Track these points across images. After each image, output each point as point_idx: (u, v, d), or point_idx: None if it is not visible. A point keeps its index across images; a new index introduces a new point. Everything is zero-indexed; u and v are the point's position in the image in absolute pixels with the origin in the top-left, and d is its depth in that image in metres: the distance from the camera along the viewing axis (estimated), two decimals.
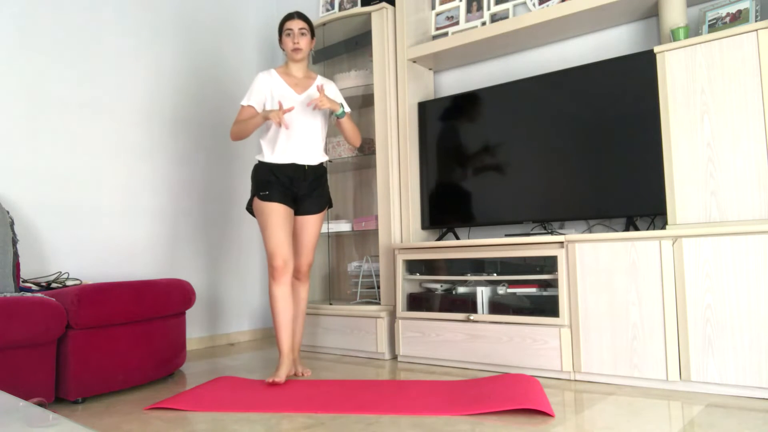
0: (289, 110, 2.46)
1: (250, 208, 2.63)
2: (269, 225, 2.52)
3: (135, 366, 2.43)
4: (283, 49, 2.65)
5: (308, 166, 2.60)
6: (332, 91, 2.71)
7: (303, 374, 2.62)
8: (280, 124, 2.43)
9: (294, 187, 2.58)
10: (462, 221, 3.04)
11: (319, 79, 2.69)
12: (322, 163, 2.68)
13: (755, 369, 2.02)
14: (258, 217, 2.58)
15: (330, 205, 2.77)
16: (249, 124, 2.52)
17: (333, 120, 2.72)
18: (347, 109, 2.69)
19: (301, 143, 2.58)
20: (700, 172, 2.23)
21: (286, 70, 2.66)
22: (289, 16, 2.61)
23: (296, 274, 2.69)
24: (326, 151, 2.71)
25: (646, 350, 2.23)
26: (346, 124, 2.66)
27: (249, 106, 2.59)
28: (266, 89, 2.60)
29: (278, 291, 2.51)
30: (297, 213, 2.65)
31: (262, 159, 2.60)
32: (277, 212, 2.52)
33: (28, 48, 2.87)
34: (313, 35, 2.66)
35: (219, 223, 3.74)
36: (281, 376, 2.42)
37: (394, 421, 1.87)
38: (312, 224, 2.67)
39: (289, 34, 2.60)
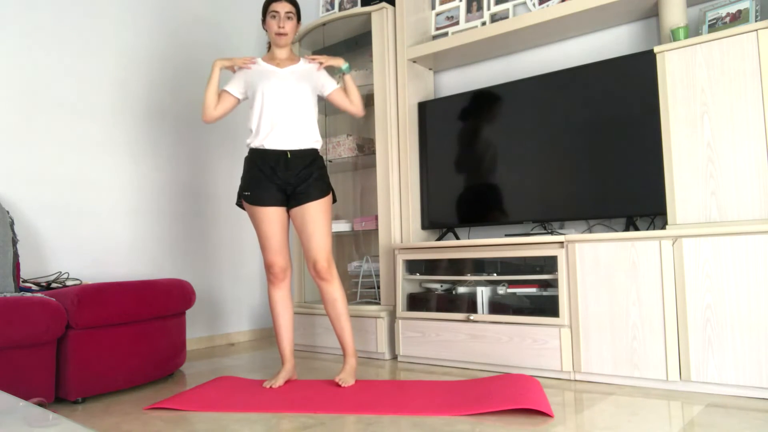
0: (250, 60, 2.44)
1: (239, 203, 2.49)
2: (260, 232, 2.43)
3: (135, 366, 2.43)
4: (267, 31, 2.49)
5: (291, 151, 2.39)
6: (319, 73, 2.51)
7: (342, 383, 2.34)
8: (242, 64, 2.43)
9: (278, 178, 2.38)
10: (462, 221, 3.04)
11: (302, 62, 2.50)
12: (313, 150, 2.44)
13: (755, 369, 2.02)
14: (249, 216, 2.47)
15: (334, 199, 2.52)
16: (207, 86, 2.43)
17: (338, 80, 2.54)
18: (336, 85, 2.54)
19: (283, 126, 2.38)
20: (700, 172, 2.23)
21: (270, 56, 2.52)
22: None
23: (318, 275, 2.40)
24: (324, 139, 2.47)
25: (646, 350, 2.23)
26: (351, 82, 2.51)
27: (225, 90, 2.48)
28: (247, 73, 2.47)
29: (276, 294, 2.49)
30: (292, 206, 2.43)
31: (248, 143, 2.47)
32: (265, 217, 2.40)
33: (29, 47, 2.87)
34: (299, 19, 2.51)
35: (219, 222, 3.74)
36: (278, 382, 2.38)
37: (394, 421, 1.87)
38: (312, 212, 2.38)
39: (274, 17, 2.43)
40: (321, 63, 2.50)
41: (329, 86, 2.54)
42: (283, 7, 2.43)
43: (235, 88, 2.49)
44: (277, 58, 2.51)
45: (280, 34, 2.44)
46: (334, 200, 2.53)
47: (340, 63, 2.50)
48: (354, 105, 2.57)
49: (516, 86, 2.87)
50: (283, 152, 2.39)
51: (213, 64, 2.48)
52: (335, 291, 2.43)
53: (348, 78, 2.53)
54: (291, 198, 2.43)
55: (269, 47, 2.56)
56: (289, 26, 2.45)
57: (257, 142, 2.42)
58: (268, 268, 2.47)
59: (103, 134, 3.16)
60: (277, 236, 2.43)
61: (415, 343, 2.87)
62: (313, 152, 2.45)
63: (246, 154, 2.53)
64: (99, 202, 3.11)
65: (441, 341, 2.78)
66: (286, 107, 2.40)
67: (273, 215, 2.41)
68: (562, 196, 2.70)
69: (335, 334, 2.51)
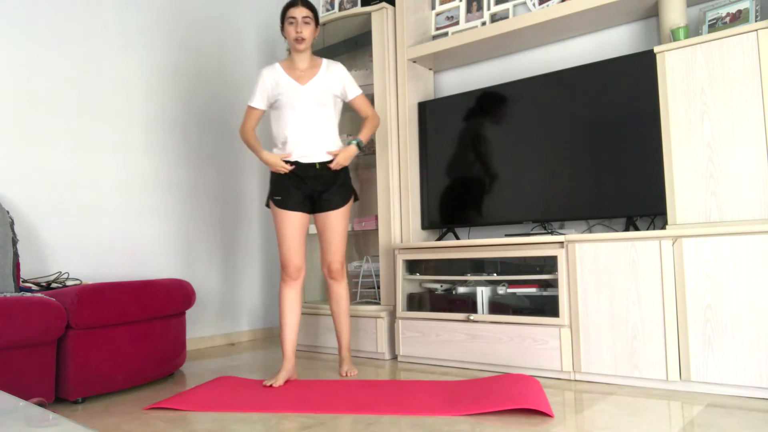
0: (285, 170, 2.48)
1: (268, 204, 2.61)
2: (282, 233, 2.53)
3: (135, 366, 2.43)
4: (285, 38, 2.54)
5: (319, 164, 2.52)
6: (340, 73, 2.59)
7: (348, 374, 2.57)
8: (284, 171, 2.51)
9: (307, 186, 2.52)
10: (462, 221, 3.04)
11: (324, 64, 2.58)
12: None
13: (755, 369, 2.02)
14: (273, 218, 2.59)
15: (356, 198, 2.67)
16: (251, 148, 2.59)
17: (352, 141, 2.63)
18: (356, 92, 2.63)
19: (308, 139, 2.50)
20: (700, 172, 2.23)
21: (289, 63, 2.57)
22: (293, 3, 2.49)
23: (330, 274, 2.64)
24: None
25: (646, 350, 2.23)
26: (366, 134, 2.62)
27: (254, 107, 2.56)
28: (270, 85, 2.53)
29: (287, 293, 2.54)
30: (316, 210, 2.59)
31: (276, 154, 2.56)
32: (289, 220, 2.51)
33: (28, 47, 2.87)
34: (317, 23, 2.55)
35: (219, 223, 3.74)
36: (279, 381, 2.39)
37: (394, 421, 1.87)
38: (334, 220, 2.57)
39: (291, 23, 2.48)
40: (336, 165, 2.53)
41: (352, 92, 2.62)
42: (300, 12, 2.48)
43: (262, 102, 2.57)
44: (298, 69, 2.55)
45: (298, 40, 2.49)
46: (356, 199, 2.70)
47: (353, 152, 2.55)
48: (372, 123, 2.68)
49: (516, 86, 2.87)
50: (312, 165, 2.52)
51: (265, 158, 2.51)
52: (342, 290, 2.66)
53: (363, 138, 2.60)
54: (315, 203, 2.58)
55: (289, 53, 2.60)
56: (307, 31, 2.50)
57: (287, 158, 2.52)
58: (283, 266, 2.54)
59: (103, 134, 3.15)
60: (296, 238, 2.53)
61: (415, 343, 2.87)
62: None
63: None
64: (99, 202, 3.11)
65: (441, 341, 2.78)
66: (311, 126, 2.52)
67: (296, 218, 2.53)
68: (562, 196, 2.70)
69: (335, 329, 2.71)
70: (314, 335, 3.31)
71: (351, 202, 2.63)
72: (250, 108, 2.57)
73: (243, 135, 2.60)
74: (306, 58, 2.56)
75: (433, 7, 3.33)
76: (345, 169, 2.60)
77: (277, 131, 2.56)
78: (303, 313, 3.36)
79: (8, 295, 2.17)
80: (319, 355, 3.20)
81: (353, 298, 3.45)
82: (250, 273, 3.93)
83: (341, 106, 2.66)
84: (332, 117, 2.57)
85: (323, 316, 3.25)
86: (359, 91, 2.63)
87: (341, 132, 3.63)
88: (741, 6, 2.34)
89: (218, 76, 3.80)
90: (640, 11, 2.65)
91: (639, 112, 2.50)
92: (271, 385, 2.37)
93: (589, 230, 2.82)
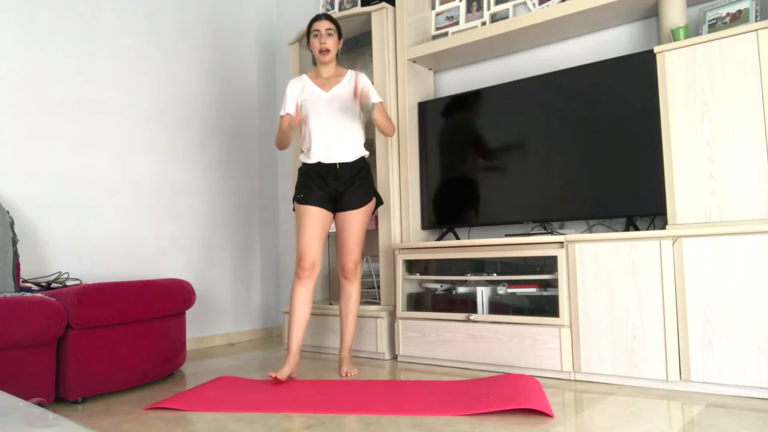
0: (299, 119, 2.51)
1: (294, 208, 2.69)
2: (300, 226, 2.59)
3: (135, 366, 2.43)
4: (311, 51, 2.68)
5: (339, 164, 2.61)
6: (361, 81, 2.66)
7: (348, 374, 2.59)
8: (300, 124, 2.55)
9: (328, 187, 2.60)
10: (462, 221, 3.04)
11: (349, 74, 2.70)
12: (361, 158, 2.66)
13: (755, 369, 2.02)
14: (296, 216, 2.64)
15: (380, 201, 2.75)
16: (283, 134, 2.62)
17: (364, 117, 2.69)
18: (376, 100, 2.63)
19: (329, 141, 2.61)
20: (700, 172, 2.23)
21: (315, 73, 2.71)
22: (317, 18, 2.64)
23: (343, 273, 2.70)
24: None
25: (646, 350, 2.23)
26: (378, 117, 2.63)
27: (286, 114, 2.65)
28: (297, 92, 2.66)
29: (300, 290, 2.57)
30: (336, 210, 2.66)
31: (301, 159, 2.69)
32: (308, 214, 2.57)
33: (29, 46, 2.87)
34: (340, 35, 2.69)
35: (219, 223, 3.74)
36: (282, 374, 2.42)
37: (394, 421, 1.87)
38: (351, 221, 2.63)
39: (316, 35, 2.63)
40: (356, 93, 2.49)
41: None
42: (323, 25, 2.62)
43: (293, 108, 2.69)
44: (323, 77, 2.68)
45: (322, 51, 2.62)
46: (381, 202, 2.77)
47: (366, 101, 2.51)
48: (383, 132, 2.73)
49: (516, 86, 2.87)
50: (331, 165, 2.61)
51: (281, 121, 2.60)
52: (353, 290, 2.72)
53: (375, 114, 2.61)
54: (337, 202, 2.65)
55: (315, 65, 2.72)
56: (330, 42, 2.63)
57: (306, 158, 2.65)
58: (298, 259, 2.58)
59: (104, 134, 3.15)
60: (314, 231, 2.58)
61: (415, 343, 2.87)
62: (360, 161, 2.66)
63: (284, 163, 2.68)
64: (99, 202, 3.11)
65: (441, 341, 2.78)
66: (334, 130, 2.62)
67: (315, 213, 2.58)
68: (562, 196, 2.70)
69: (340, 327, 2.76)
70: (314, 335, 3.31)
71: (372, 204, 2.69)
72: (282, 117, 2.65)
73: (276, 141, 2.68)
74: (331, 69, 2.69)
75: (433, 7, 3.33)
76: (365, 173, 2.67)
77: (302, 137, 2.69)
78: None
79: (8, 295, 2.17)
80: (321, 356, 3.20)
81: None
82: (250, 273, 3.93)
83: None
84: (356, 120, 2.66)
85: (326, 317, 3.25)
86: (378, 99, 2.67)
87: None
88: (741, 6, 2.34)
89: (216, 77, 3.80)
90: (640, 11, 2.65)
91: (639, 112, 2.50)
92: (274, 377, 2.40)
93: (589, 230, 2.82)
